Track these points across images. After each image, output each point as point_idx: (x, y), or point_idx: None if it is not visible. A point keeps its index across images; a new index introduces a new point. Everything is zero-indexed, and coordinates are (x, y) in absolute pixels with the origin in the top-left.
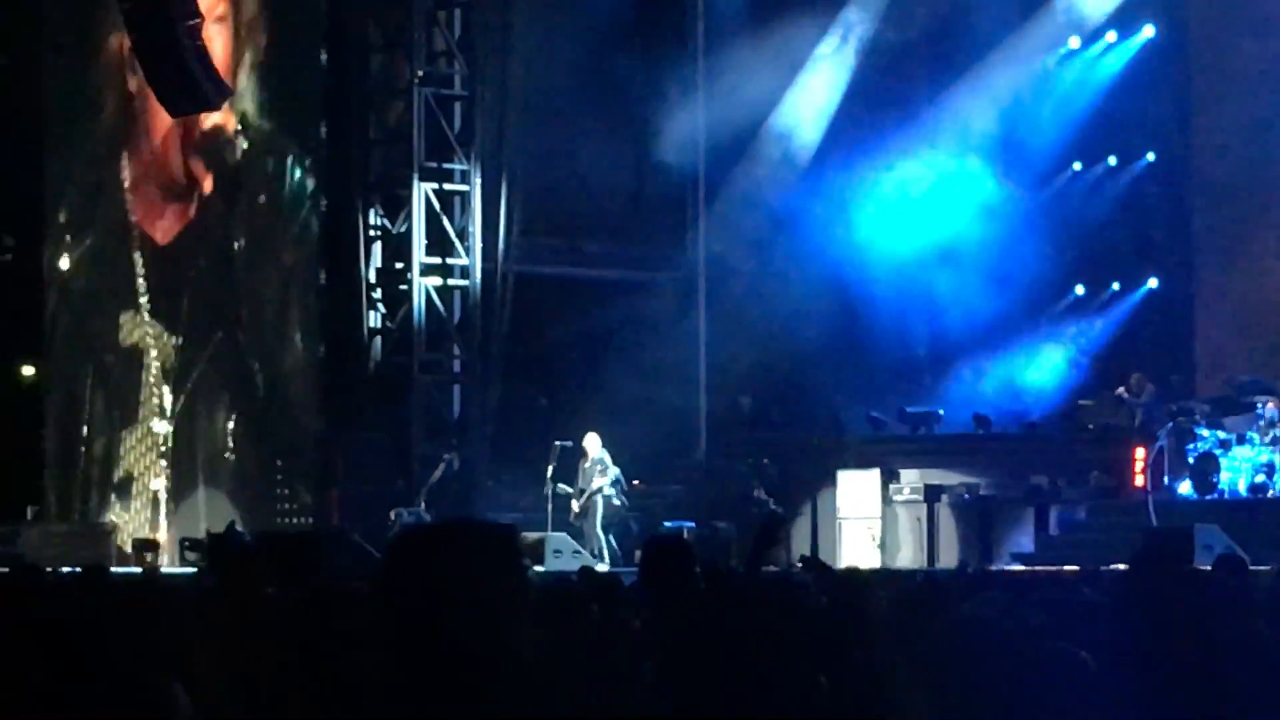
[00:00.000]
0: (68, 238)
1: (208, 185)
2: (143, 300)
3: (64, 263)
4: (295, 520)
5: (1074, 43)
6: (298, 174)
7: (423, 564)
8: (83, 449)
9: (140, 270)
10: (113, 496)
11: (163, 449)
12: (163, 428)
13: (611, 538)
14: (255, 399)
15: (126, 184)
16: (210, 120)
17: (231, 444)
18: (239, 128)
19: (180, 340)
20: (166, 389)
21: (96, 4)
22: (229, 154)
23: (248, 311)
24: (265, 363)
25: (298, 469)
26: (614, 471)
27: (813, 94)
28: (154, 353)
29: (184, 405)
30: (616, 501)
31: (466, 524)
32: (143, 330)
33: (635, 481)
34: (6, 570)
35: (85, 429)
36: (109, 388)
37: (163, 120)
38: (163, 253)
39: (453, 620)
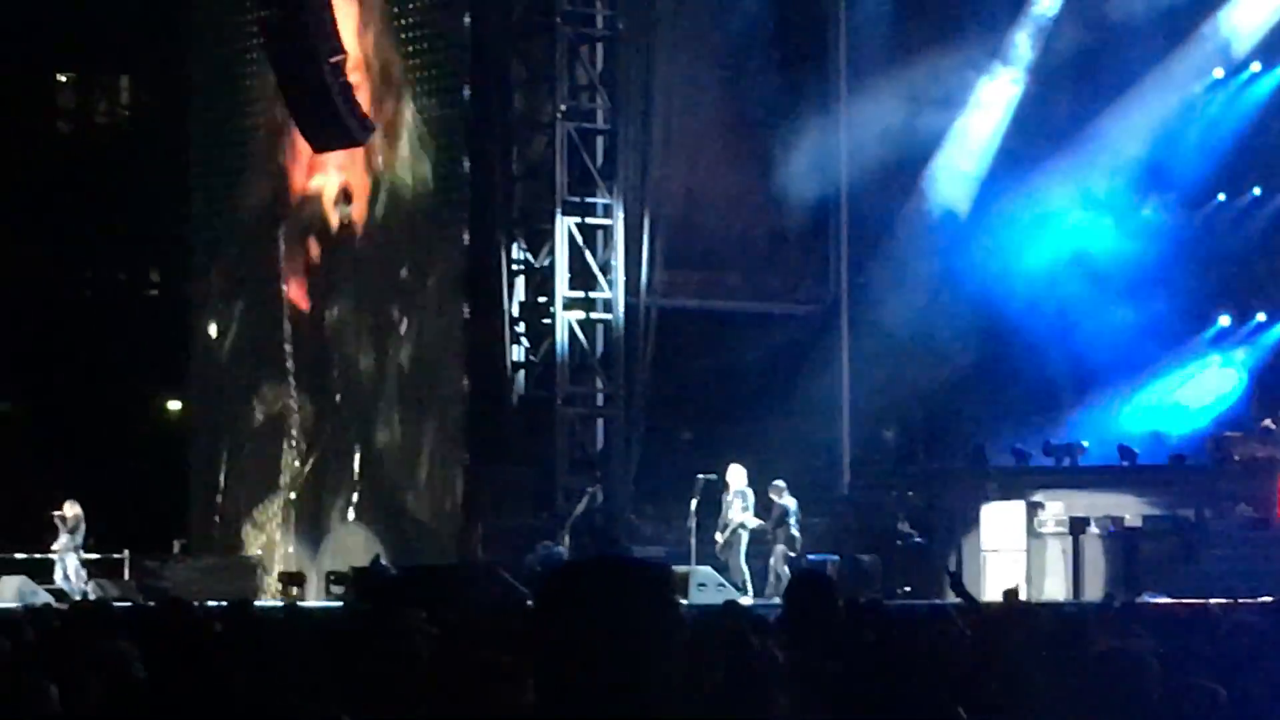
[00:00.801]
0: (219, 304)
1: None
2: (289, 365)
3: (212, 329)
4: (439, 554)
5: (1219, 73)
6: (441, 209)
7: (576, 601)
8: (226, 482)
9: (288, 338)
10: (257, 530)
11: (306, 483)
12: (305, 464)
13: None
14: (398, 433)
15: (281, 265)
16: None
17: (375, 478)
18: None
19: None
20: (303, 430)
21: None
22: (370, 189)
23: (390, 345)
24: (408, 397)
25: (442, 503)
26: (791, 502)
27: (961, 124)
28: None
29: (326, 440)
30: (795, 533)
31: (621, 561)
32: (286, 391)
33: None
34: (153, 604)
35: (228, 462)
36: (252, 433)
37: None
38: (310, 317)
39: (605, 658)
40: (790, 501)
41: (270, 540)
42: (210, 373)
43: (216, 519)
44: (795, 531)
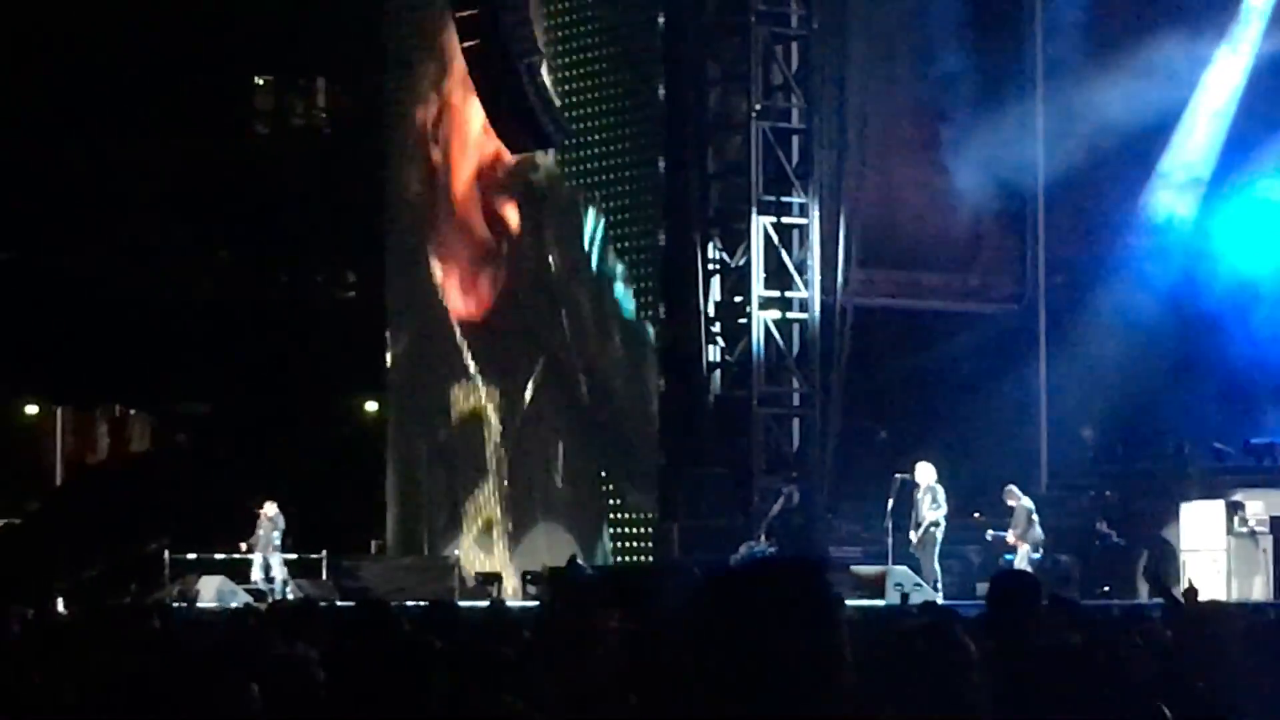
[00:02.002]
0: (387, 334)
1: (515, 224)
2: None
3: (388, 358)
4: (635, 554)
5: None
6: (637, 209)
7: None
8: (422, 483)
9: (463, 345)
10: (454, 530)
11: (502, 483)
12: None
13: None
14: (593, 434)
15: (438, 278)
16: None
17: (570, 478)
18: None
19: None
20: (499, 434)
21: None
22: (541, 189)
23: (579, 347)
24: (603, 398)
25: (638, 503)
26: (1030, 502)
27: (1171, 114)
28: (490, 409)
29: (519, 440)
30: (1039, 533)
31: (775, 562)
32: (476, 395)
33: (976, 514)
34: (353, 604)
35: (426, 462)
36: (450, 434)
37: (461, 182)
38: (483, 324)
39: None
40: (1029, 501)
41: (467, 540)
42: (404, 374)
43: (414, 518)
44: (1039, 531)
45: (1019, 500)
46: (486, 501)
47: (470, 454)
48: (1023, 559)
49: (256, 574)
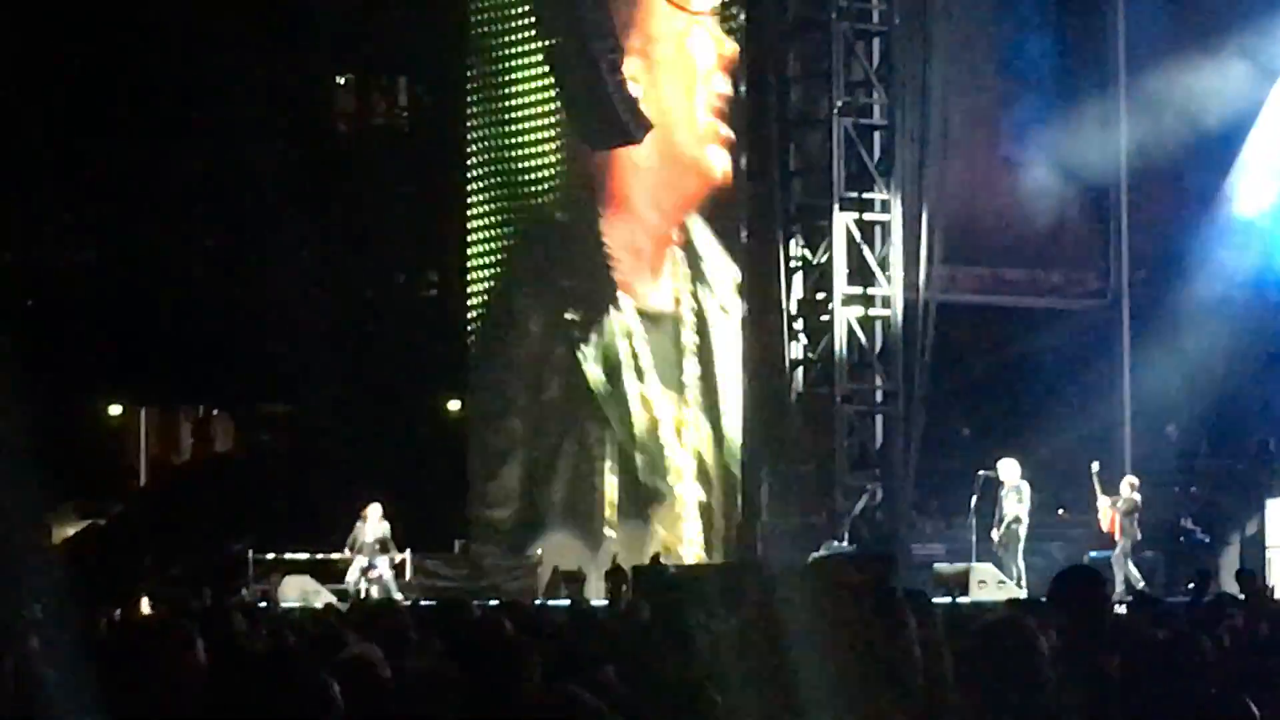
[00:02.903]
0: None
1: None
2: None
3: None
4: (722, 553)
5: None
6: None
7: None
8: (507, 483)
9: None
10: (538, 529)
11: (585, 481)
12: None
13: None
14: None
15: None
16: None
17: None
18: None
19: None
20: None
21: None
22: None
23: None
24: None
25: (724, 501)
26: (1135, 499)
27: (1263, 106)
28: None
29: (599, 441)
30: (1137, 532)
31: (841, 558)
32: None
33: (1060, 510)
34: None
35: (514, 464)
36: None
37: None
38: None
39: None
40: (1137, 496)
41: (551, 539)
42: (490, 374)
43: (498, 518)
44: (1137, 530)
45: (1134, 495)
46: (569, 499)
47: (553, 449)
48: (1123, 554)
49: (353, 575)
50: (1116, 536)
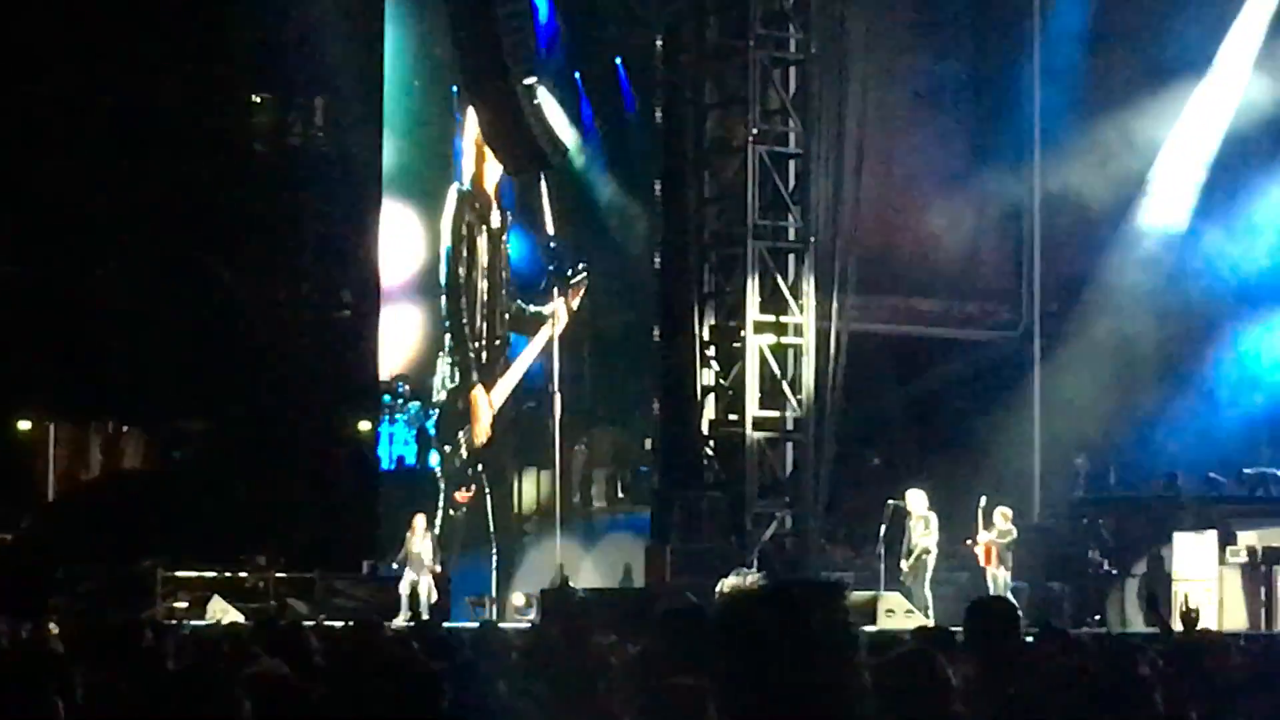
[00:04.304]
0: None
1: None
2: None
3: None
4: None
5: None
6: (634, 232)
7: (751, 625)
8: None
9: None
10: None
11: (496, 505)
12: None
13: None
14: (586, 455)
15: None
16: None
17: (563, 500)
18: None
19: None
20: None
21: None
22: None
23: (574, 365)
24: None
25: (609, 489)
26: (1010, 530)
27: (1163, 159)
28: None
29: (513, 462)
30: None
31: (794, 585)
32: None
33: (967, 540)
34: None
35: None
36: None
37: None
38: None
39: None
40: (1012, 529)
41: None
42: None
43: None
44: (1009, 558)
45: (1009, 525)
46: (483, 523)
47: (462, 471)
48: (1003, 585)
49: (405, 588)
50: (991, 569)
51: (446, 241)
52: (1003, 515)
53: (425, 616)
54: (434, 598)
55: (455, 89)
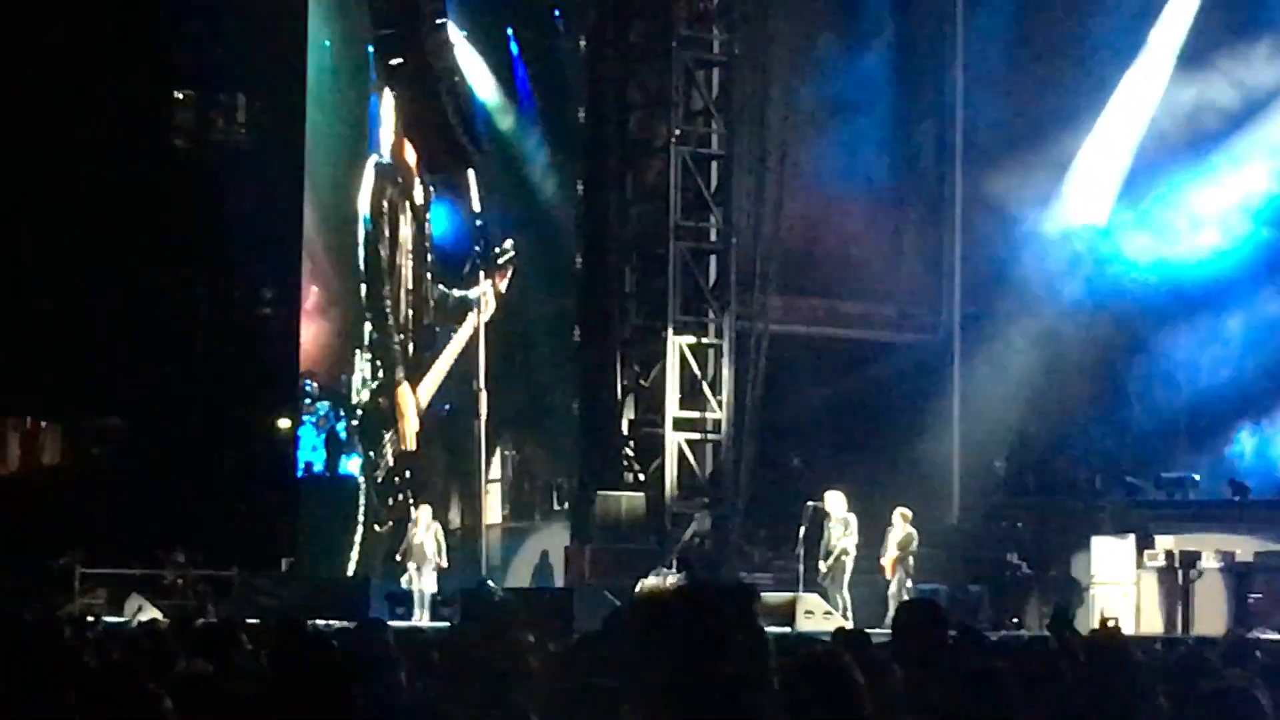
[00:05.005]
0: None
1: None
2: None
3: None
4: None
5: None
6: (555, 232)
7: (663, 626)
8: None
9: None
10: (362, 550)
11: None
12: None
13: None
14: (510, 456)
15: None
16: None
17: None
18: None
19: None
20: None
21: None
22: None
23: (505, 369)
24: (520, 419)
25: (541, 500)
26: (913, 533)
27: (1087, 163)
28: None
29: (435, 463)
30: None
31: (704, 587)
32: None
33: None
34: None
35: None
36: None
37: None
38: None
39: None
40: (914, 532)
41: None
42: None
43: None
44: (912, 563)
45: (908, 528)
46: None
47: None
48: (899, 588)
49: (406, 583)
50: (890, 573)
51: (364, 220)
52: (901, 516)
53: (426, 613)
54: (435, 591)
55: (371, 46)
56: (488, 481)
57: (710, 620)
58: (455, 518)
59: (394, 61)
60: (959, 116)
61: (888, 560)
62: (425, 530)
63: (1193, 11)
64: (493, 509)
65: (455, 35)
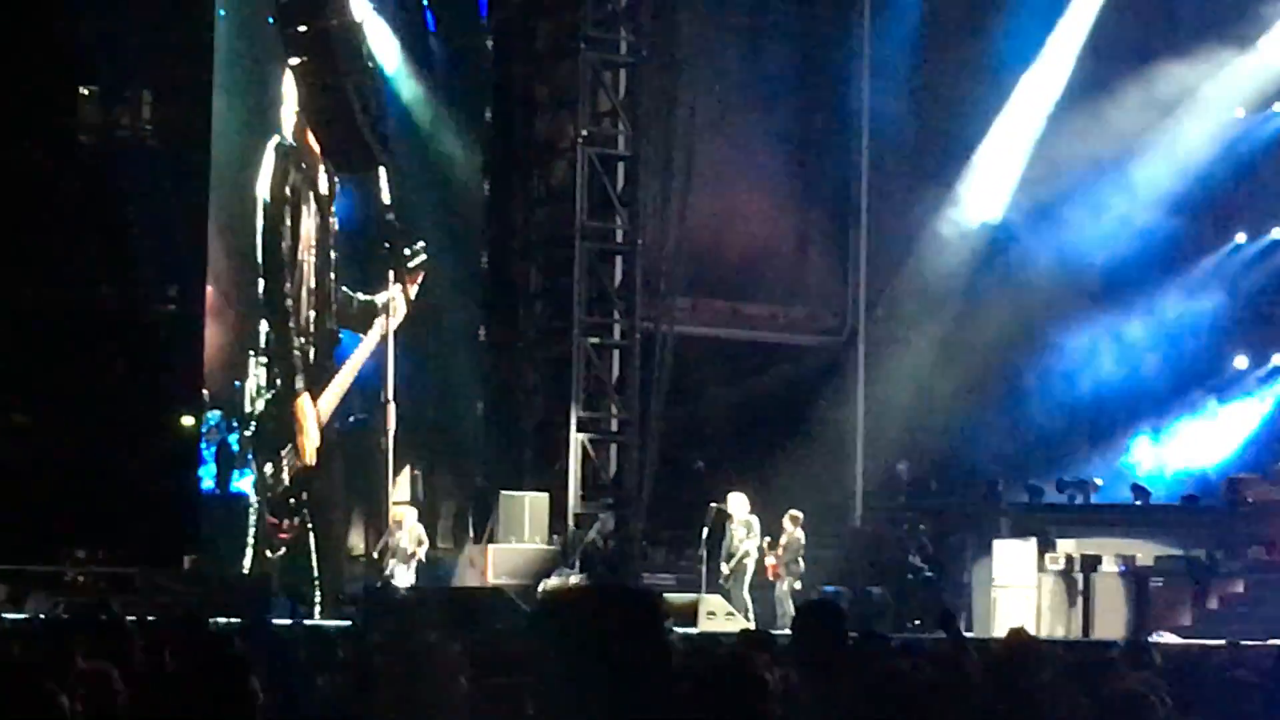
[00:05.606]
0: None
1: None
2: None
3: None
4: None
5: (1240, 112)
6: (461, 231)
7: (567, 628)
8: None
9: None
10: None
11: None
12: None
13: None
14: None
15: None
16: None
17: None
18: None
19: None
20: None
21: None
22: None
23: (412, 368)
24: (424, 421)
25: (457, 525)
26: (801, 538)
27: (986, 165)
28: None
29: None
30: (801, 567)
31: (610, 590)
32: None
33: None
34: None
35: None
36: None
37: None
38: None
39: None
40: (803, 536)
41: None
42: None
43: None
44: (802, 567)
45: (797, 531)
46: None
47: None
48: (786, 593)
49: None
50: (773, 575)
51: (263, 209)
52: (791, 519)
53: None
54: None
55: (271, 18)
56: (394, 504)
57: (613, 621)
58: (358, 543)
59: (299, 29)
60: (865, 118)
61: (769, 564)
62: (407, 533)
63: (1094, 13)
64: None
65: (364, 9)
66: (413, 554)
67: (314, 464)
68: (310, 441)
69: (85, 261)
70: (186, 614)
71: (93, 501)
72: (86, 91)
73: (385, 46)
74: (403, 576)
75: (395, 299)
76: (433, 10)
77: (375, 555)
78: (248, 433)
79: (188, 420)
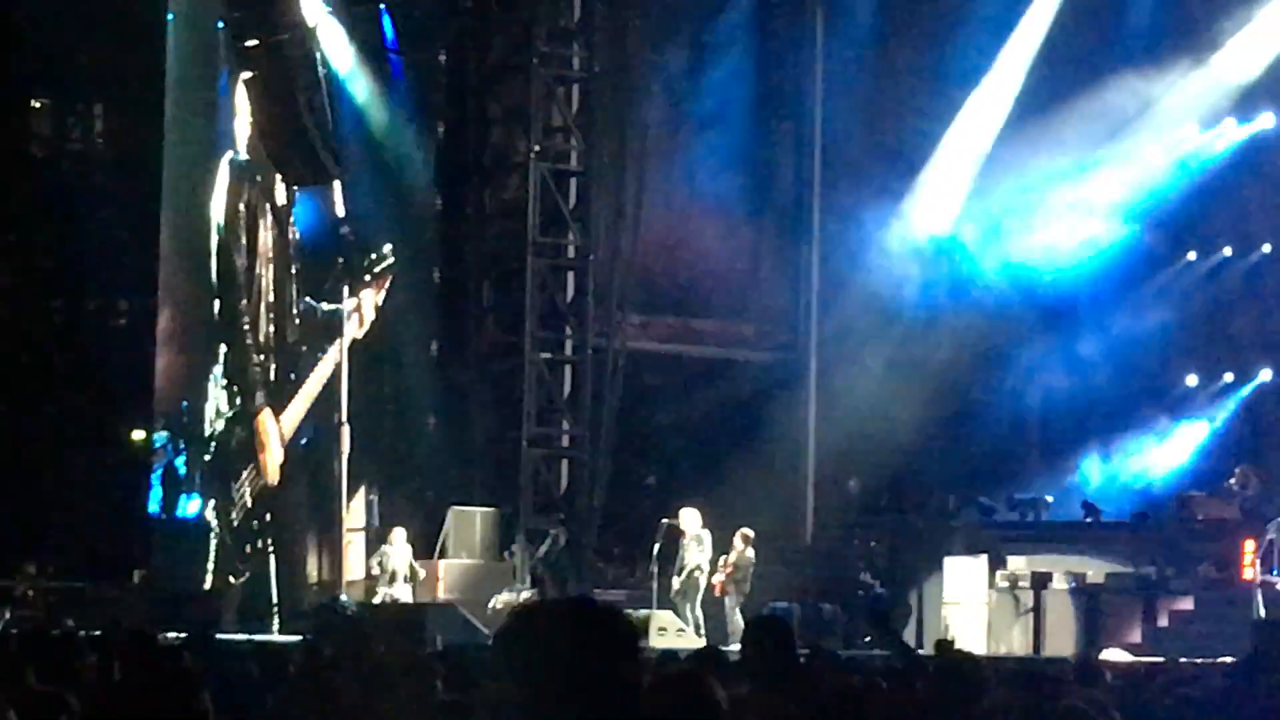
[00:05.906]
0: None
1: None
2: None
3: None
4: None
5: (1192, 129)
6: (413, 245)
7: (536, 643)
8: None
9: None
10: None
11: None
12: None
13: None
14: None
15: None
16: None
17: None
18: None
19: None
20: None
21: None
22: None
23: (366, 385)
24: (380, 442)
25: (417, 550)
26: (752, 557)
27: (935, 179)
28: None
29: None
30: (748, 586)
31: (586, 606)
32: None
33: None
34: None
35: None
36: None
37: None
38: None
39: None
40: (753, 555)
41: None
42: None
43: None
44: (749, 585)
45: (748, 550)
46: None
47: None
48: (733, 608)
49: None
50: (719, 591)
51: (217, 230)
52: (743, 538)
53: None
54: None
55: (221, 23)
56: (348, 530)
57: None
58: (313, 570)
59: (250, 43)
60: (817, 133)
61: (716, 581)
62: (400, 551)
63: (1046, 26)
64: (354, 563)
65: (318, 13)
66: (408, 577)
67: (277, 482)
68: (274, 458)
69: (35, 277)
70: (135, 628)
71: (42, 515)
72: (39, 104)
73: (340, 49)
74: (404, 595)
75: (361, 307)
76: (393, 18)
77: (383, 573)
78: (206, 456)
79: (138, 434)
